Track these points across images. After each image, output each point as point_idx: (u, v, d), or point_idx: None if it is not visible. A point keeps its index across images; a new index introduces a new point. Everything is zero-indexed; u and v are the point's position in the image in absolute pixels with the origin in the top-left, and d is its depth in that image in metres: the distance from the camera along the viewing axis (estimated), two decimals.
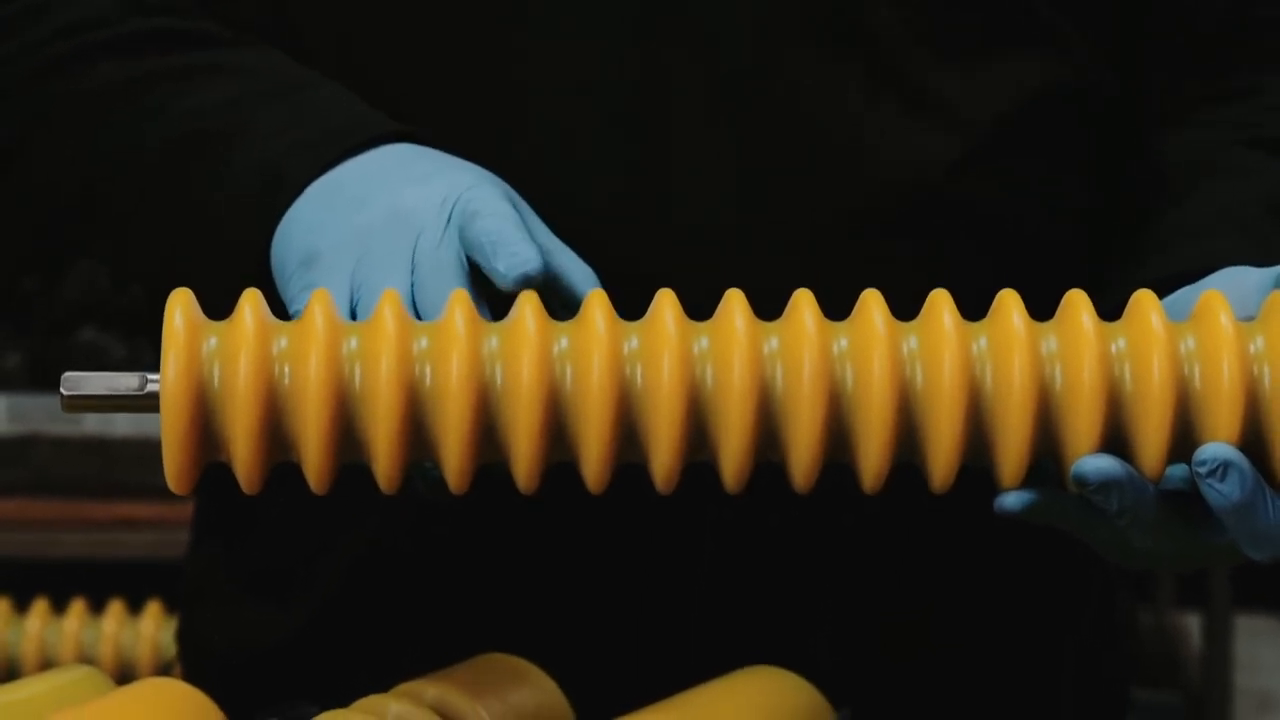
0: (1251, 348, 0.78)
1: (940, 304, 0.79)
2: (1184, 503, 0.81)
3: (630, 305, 0.81)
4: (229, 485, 1.05)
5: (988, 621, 1.05)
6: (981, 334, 0.79)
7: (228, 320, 0.79)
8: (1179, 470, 0.80)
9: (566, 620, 1.01)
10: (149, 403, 0.79)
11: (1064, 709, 1.08)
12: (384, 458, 0.78)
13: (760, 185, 0.94)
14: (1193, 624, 2.90)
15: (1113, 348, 0.78)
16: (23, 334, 2.79)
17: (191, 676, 1.10)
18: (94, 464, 2.51)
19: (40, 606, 2.40)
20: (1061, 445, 0.79)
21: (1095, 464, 0.78)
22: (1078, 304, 0.79)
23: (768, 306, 0.80)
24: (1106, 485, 0.78)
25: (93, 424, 2.56)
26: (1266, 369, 0.78)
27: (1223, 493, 0.78)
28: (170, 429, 0.78)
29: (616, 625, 1.01)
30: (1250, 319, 0.80)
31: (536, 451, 0.78)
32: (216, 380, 0.78)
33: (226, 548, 1.08)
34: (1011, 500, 0.80)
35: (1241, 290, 0.84)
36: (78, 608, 2.40)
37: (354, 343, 0.78)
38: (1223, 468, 0.78)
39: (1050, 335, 0.79)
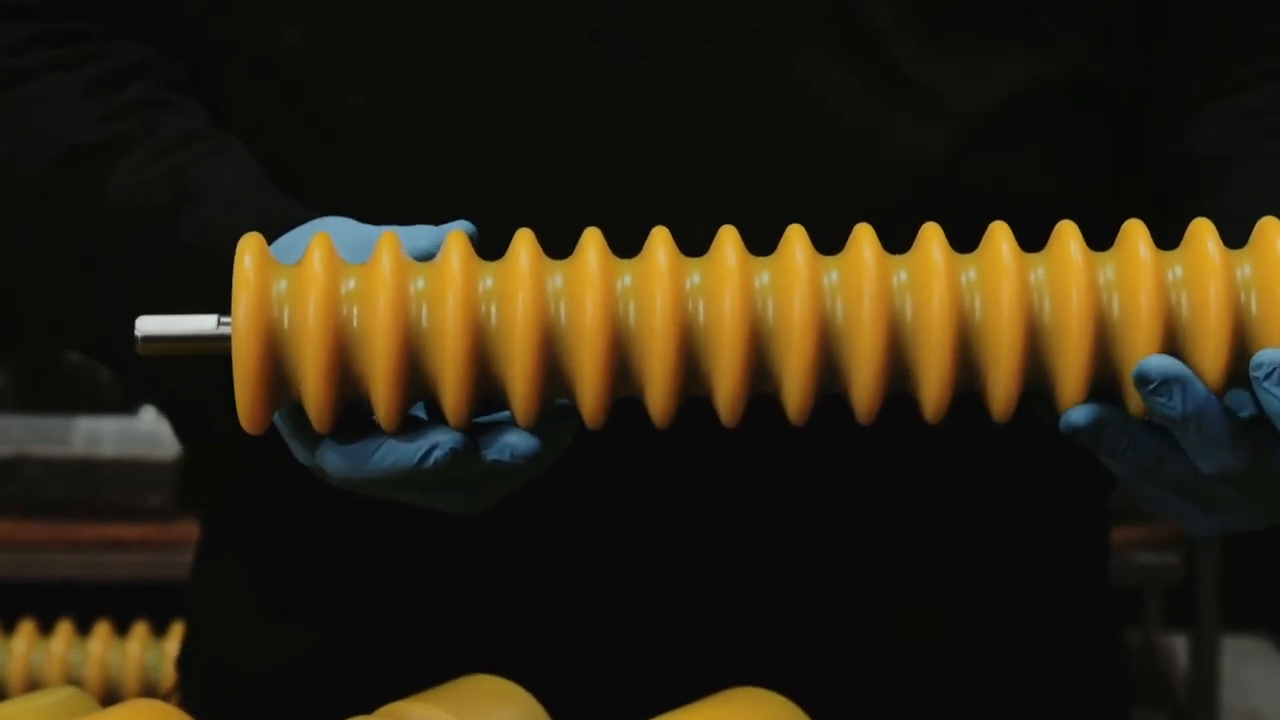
0: None
1: (999, 236, 0.82)
2: (1252, 428, 0.81)
3: None
4: (240, 503, 1.06)
5: (993, 629, 1.05)
6: (1040, 264, 0.81)
7: (297, 263, 0.80)
8: (1247, 406, 0.81)
9: (558, 641, 1.01)
10: (221, 344, 0.80)
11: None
12: (451, 395, 0.80)
13: (754, 178, 0.95)
14: (1180, 644, 2.90)
15: (1170, 275, 0.80)
16: (10, 354, 2.79)
17: (196, 694, 1.09)
18: (82, 485, 2.50)
19: (27, 628, 2.40)
20: (1122, 374, 0.81)
21: (1157, 361, 0.79)
22: (1134, 233, 0.82)
23: None
24: (1168, 382, 0.79)
25: (80, 445, 2.55)
26: None
27: (1278, 395, 0.79)
28: (242, 370, 0.79)
29: (605, 646, 1.01)
30: None
31: (601, 387, 0.80)
32: (286, 321, 0.79)
33: (235, 566, 1.08)
34: (1078, 415, 0.81)
35: None
36: (64, 629, 2.39)
37: (420, 283, 0.80)
38: (1279, 370, 0.79)
39: (1109, 265, 0.81)
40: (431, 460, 0.81)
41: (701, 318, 0.80)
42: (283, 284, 0.80)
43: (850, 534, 1.00)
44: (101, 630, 2.40)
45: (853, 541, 1.00)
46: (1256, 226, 0.82)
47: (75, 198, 0.95)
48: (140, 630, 2.40)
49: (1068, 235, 0.81)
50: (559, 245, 0.82)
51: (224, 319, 0.80)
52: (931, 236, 0.82)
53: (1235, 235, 0.86)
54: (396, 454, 0.81)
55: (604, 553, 0.99)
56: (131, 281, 0.93)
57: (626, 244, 0.83)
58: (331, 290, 0.79)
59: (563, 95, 0.95)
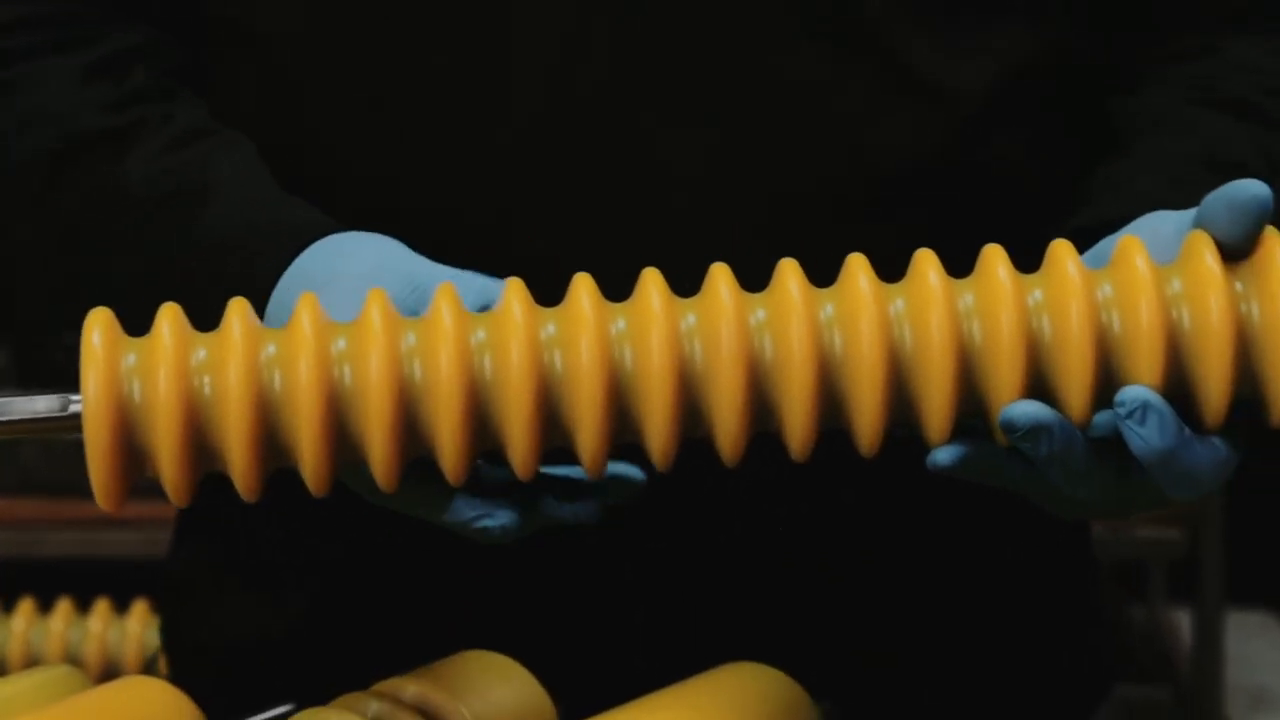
0: (1169, 290, 0.78)
1: (856, 269, 0.80)
2: (1112, 450, 0.80)
3: (614, 287, 0.81)
4: (213, 484, 1.05)
5: (960, 624, 1.05)
6: (899, 295, 0.79)
7: (146, 336, 0.78)
8: (1105, 418, 0.80)
9: (550, 617, 1.00)
10: (73, 423, 0.79)
11: (1042, 702, 1.08)
12: (310, 460, 0.78)
13: (742, 164, 0.94)
14: (1184, 620, 2.90)
15: (1030, 299, 0.79)
16: (8, 333, 2.78)
17: (179, 674, 1.09)
18: (80, 463, 2.50)
19: (26, 606, 2.39)
20: (987, 400, 0.79)
21: (1022, 409, 0.78)
22: (993, 259, 0.80)
23: (758, 286, 0.81)
24: (1035, 430, 0.78)
25: None
26: (1185, 311, 0.78)
27: (1143, 436, 0.78)
28: (94, 447, 0.78)
29: (599, 619, 1.01)
30: (1170, 263, 0.80)
31: (462, 444, 0.78)
32: (137, 395, 0.77)
33: (212, 546, 1.07)
34: (943, 456, 0.80)
35: (1160, 235, 0.83)
36: (63, 607, 2.39)
37: (271, 349, 0.78)
38: (1142, 409, 0.78)
39: (968, 292, 0.79)
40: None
41: (701, 358, 0.78)
42: (131, 358, 0.78)
43: (800, 551, 1.00)
44: (101, 608, 2.39)
45: (802, 557, 1.00)
46: (1118, 244, 0.80)
47: (84, 185, 0.94)
48: (140, 608, 2.40)
49: (926, 265, 0.79)
50: (542, 252, 0.81)
51: (74, 398, 0.78)
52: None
53: (1111, 199, 0.84)
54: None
55: (552, 568, 0.99)
56: (146, 271, 0.92)
57: (607, 240, 0.81)
58: (181, 361, 0.77)
59: (551, 92, 0.94)
